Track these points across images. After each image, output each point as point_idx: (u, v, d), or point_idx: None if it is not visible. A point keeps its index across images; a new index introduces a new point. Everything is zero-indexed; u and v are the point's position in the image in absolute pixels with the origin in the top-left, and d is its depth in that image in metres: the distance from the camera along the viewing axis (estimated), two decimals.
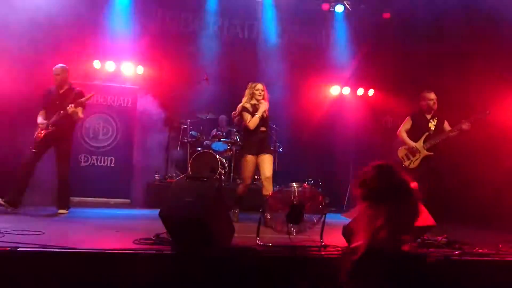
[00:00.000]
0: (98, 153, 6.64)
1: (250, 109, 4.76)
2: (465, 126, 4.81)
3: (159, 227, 3.22)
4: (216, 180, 3.09)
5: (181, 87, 7.04)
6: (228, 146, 6.93)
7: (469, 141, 5.81)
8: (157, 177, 6.60)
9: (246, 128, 4.79)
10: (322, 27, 8.40)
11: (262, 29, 8.22)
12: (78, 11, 6.44)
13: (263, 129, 4.81)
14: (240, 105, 4.85)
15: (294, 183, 3.24)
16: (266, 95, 4.87)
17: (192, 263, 2.75)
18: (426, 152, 4.95)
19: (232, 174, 6.70)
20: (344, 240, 3.33)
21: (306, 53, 8.20)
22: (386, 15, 8.26)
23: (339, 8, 7.91)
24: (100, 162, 6.63)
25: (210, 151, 6.65)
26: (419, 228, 3.10)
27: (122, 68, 7.21)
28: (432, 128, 5.02)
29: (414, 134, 5.07)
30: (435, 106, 5.03)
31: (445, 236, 3.52)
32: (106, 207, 6.06)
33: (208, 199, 2.96)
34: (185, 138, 7.03)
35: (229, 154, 6.94)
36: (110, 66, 7.13)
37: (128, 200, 6.55)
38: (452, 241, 3.44)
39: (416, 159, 4.99)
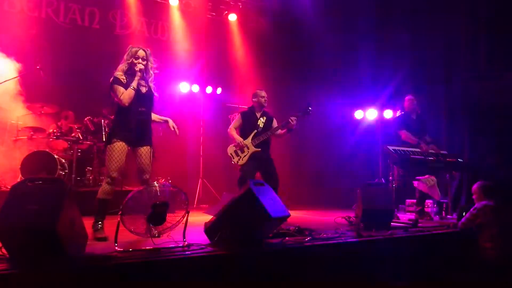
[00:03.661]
0: None
1: (125, 81, 3.69)
2: (291, 121, 4.96)
3: None
4: (65, 182, 2.70)
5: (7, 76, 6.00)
6: (69, 144, 6.22)
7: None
8: None
9: (119, 107, 3.71)
10: (168, 21, 8.30)
11: (106, 18, 7.65)
12: None
13: (142, 109, 3.76)
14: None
15: (155, 182, 3.08)
16: (152, 66, 3.86)
17: (39, 282, 2.36)
18: (254, 149, 5.01)
19: (73, 176, 6.02)
20: (207, 237, 3.35)
21: (154, 47, 7.95)
22: (232, 17, 8.66)
23: (174, 2, 8.04)
24: None
25: (47, 150, 5.85)
26: (278, 219, 3.30)
27: None
28: (261, 125, 5.13)
29: (244, 131, 5.16)
30: (266, 103, 5.21)
31: (296, 225, 3.82)
32: None
33: (57, 204, 2.58)
34: (15, 135, 6.03)
35: (70, 153, 6.22)
36: None
37: None
38: (302, 229, 3.76)
39: (245, 156, 5.00)
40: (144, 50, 3.80)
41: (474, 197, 4.58)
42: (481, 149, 6.43)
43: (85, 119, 6.46)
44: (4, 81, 5.86)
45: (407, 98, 6.04)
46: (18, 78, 6.10)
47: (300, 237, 3.53)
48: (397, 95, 7.75)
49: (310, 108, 5.12)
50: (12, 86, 6.10)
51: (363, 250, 3.60)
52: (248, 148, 5.01)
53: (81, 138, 6.22)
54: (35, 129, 6.18)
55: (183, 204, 3.18)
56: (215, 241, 3.20)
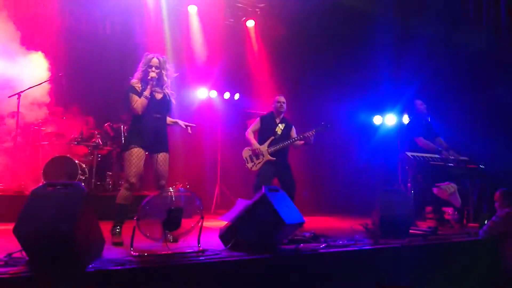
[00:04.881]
0: None
1: (140, 89, 3.74)
2: (309, 135, 4.96)
3: (9, 246, 2.76)
4: (83, 186, 2.77)
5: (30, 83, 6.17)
6: (89, 149, 6.35)
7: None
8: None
9: (134, 115, 3.77)
10: (187, 28, 8.39)
11: (126, 25, 7.80)
12: None
13: (157, 115, 3.79)
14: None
15: (171, 188, 3.11)
16: (171, 74, 3.90)
17: (56, 284, 2.41)
18: (269, 157, 4.96)
19: (93, 181, 6.14)
20: (222, 243, 3.35)
21: (173, 53, 8.06)
22: (250, 23, 8.70)
23: (193, 9, 8.11)
24: None
25: (68, 155, 5.98)
26: (293, 225, 3.28)
27: None
28: (279, 132, 5.07)
29: (261, 136, 5.11)
30: (282, 109, 5.14)
31: (312, 231, 3.79)
32: None
33: (74, 209, 2.62)
34: (37, 141, 6.19)
35: (90, 158, 6.35)
36: None
37: None
38: (317, 236, 3.72)
39: (259, 162, 4.97)
40: (158, 58, 3.80)
41: (496, 204, 4.45)
42: (504, 155, 6.24)
43: (105, 124, 6.59)
44: (29, 88, 5.98)
45: (418, 102, 5.91)
46: (49, 83, 6.25)
47: (315, 244, 3.50)
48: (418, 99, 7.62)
49: (329, 125, 5.09)
50: (36, 92, 6.26)
51: (380, 258, 3.54)
52: (263, 156, 4.99)
53: (101, 143, 6.34)
54: (57, 135, 6.33)
55: (198, 210, 3.20)
56: (230, 247, 3.21)
